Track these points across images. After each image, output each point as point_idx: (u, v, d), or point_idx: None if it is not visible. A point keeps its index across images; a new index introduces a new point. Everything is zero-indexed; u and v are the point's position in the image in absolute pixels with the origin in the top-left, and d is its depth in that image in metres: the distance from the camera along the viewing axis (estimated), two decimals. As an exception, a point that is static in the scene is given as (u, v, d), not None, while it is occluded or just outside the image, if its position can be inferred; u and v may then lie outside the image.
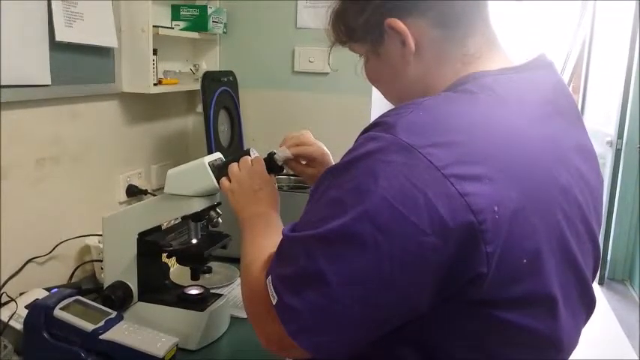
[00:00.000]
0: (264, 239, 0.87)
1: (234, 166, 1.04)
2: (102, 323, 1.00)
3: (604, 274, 3.84)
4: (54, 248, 1.39)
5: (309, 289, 0.62)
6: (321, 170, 1.05)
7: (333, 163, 0.76)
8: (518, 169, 0.61)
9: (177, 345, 1.02)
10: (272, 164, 1.07)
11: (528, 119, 0.67)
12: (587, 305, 0.74)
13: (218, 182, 1.05)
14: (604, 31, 4.13)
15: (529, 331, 0.63)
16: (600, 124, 4.04)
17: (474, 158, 0.59)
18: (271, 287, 0.67)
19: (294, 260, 0.64)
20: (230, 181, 1.03)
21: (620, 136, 3.69)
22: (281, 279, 0.66)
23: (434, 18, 0.71)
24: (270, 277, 0.68)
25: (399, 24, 0.70)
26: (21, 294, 1.19)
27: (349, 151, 0.65)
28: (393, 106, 0.71)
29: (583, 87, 4.42)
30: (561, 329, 0.66)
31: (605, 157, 3.96)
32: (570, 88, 5.31)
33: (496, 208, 0.58)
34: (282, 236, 0.70)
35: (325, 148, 1.12)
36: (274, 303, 0.66)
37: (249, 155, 1.07)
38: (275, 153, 1.08)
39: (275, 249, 0.72)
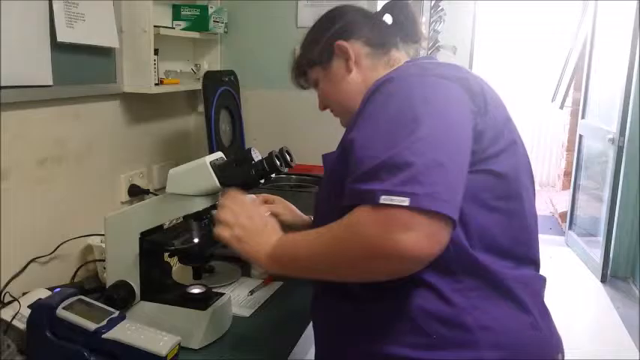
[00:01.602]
0: (311, 232, 0.89)
1: (226, 214, 0.98)
2: (105, 322, 1.00)
3: (606, 272, 3.83)
4: (56, 248, 1.39)
5: (433, 175, 0.77)
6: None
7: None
8: (474, 77, 0.93)
9: (179, 343, 1.02)
10: (272, 164, 1.08)
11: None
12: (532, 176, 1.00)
13: (219, 181, 1.06)
14: (606, 28, 4.13)
15: (504, 173, 0.89)
16: (602, 121, 4.04)
17: (455, 73, 0.90)
18: (393, 198, 0.75)
19: (405, 165, 0.77)
20: (226, 228, 0.97)
21: (622, 133, 3.69)
22: (402, 183, 0.76)
23: (365, 40, 1.07)
24: (383, 196, 0.76)
25: (344, 43, 1.06)
26: (24, 294, 1.20)
27: (375, 103, 0.87)
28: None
29: (585, 84, 4.42)
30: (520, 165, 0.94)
31: (607, 154, 3.95)
32: (572, 85, 5.32)
33: (482, 93, 0.89)
34: (363, 167, 0.81)
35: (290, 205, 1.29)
36: (407, 203, 0.75)
37: (251, 153, 1.08)
38: (277, 152, 1.09)
39: (323, 227, 0.86)
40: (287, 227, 1.23)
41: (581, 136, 4.50)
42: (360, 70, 1.06)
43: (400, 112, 0.83)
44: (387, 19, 1.13)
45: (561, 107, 5.62)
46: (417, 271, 0.82)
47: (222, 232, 0.96)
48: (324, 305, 1.01)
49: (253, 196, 1.22)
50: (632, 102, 3.63)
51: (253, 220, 0.97)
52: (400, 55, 1.09)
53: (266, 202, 1.28)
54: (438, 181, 0.77)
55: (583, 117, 4.44)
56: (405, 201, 0.74)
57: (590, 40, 4.34)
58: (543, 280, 0.98)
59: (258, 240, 0.95)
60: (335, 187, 0.91)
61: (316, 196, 1.07)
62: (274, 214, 1.23)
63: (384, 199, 0.75)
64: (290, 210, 1.29)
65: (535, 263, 0.97)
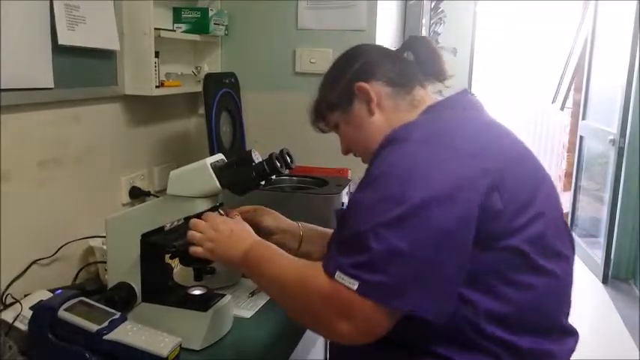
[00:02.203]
0: (282, 258, 0.96)
1: (194, 233, 1.06)
2: (106, 324, 1.00)
3: (608, 273, 3.83)
4: (58, 250, 1.40)
5: (387, 266, 0.76)
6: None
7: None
8: (499, 143, 0.89)
9: (180, 345, 1.02)
10: (273, 166, 1.08)
11: (484, 117, 0.98)
12: (568, 232, 0.97)
13: (220, 183, 1.06)
14: (606, 29, 4.13)
15: (528, 249, 0.84)
16: (603, 122, 4.04)
17: (471, 141, 0.86)
18: (344, 277, 0.79)
19: (364, 249, 0.78)
20: (201, 245, 1.05)
21: (622, 134, 3.69)
22: (357, 266, 0.78)
23: (386, 80, 1.02)
24: (337, 272, 0.80)
25: (365, 85, 1.01)
26: (25, 295, 1.20)
27: (377, 166, 0.85)
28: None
29: (585, 85, 4.42)
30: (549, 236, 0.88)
31: (607, 155, 3.95)
32: (573, 86, 5.32)
33: (494, 169, 0.82)
34: (337, 239, 0.85)
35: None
36: (356, 288, 0.77)
37: (251, 155, 1.08)
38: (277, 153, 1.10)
39: (297, 260, 0.93)
40: (274, 232, 1.26)
41: (581, 137, 4.51)
42: (383, 111, 1.02)
43: (386, 188, 0.81)
44: (409, 56, 1.08)
45: (562, 108, 5.62)
46: (433, 343, 0.85)
47: (195, 250, 1.06)
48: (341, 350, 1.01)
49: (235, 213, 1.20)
50: (633, 103, 3.63)
51: (219, 230, 1.04)
52: (425, 94, 1.03)
53: (246, 212, 1.25)
54: (392, 271, 0.76)
55: (583, 118, 4.44)
56: (354, 285, 0.78)
57: (590, 41, 4.34)
58: (568, 349, 0.94)
59: (226, 247, 1.03)
60: None
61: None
62: (255, 223, 1.22)
63: (337, 276, 0.80)
64: (274, 217, 1.28)
65: (563, 330, 0.93)
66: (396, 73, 1.02)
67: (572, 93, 5.48)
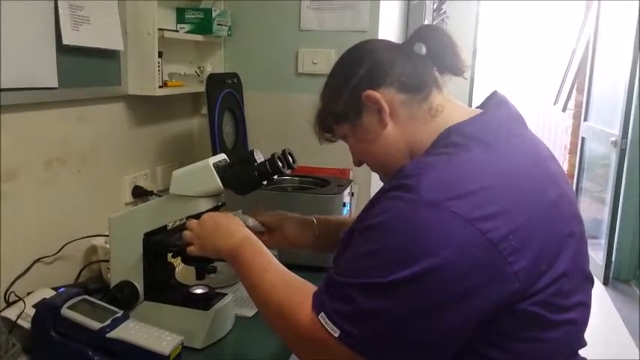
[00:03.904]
0: (268, 272, 0.93)
1: (187, 232, 1.08)
2: (108, 322, 1.01)
3: (609, 275, 3.83)
4: (61, 248, 1.40)
5: (370, 322, 0.75)
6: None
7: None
8: (521, 199, 0.77)
9: (182, 343, 1.03)
10: (275, 166, 1.08)
11: (513, 154, 0.84)
12: (590, 280, 0.90)
13: (222, 183, 1.07)
14: (608, 30, 4.13)
15: (542, 311, 0.78)
16: (604, 123, 4.04)
17: (486, 201, 0.74)
18: (327, 322, 0.78)
19: (351, 300, 0.76)
20: (192, 243, 1.07)
21: (624, 135, 3.68)
22: (341, 315, 0.77)
23: (398, 86, 0.90)
24: (322, 313, 0.79)
25: (374, 93, 0.89)
26: (28, 293, 1.21)
27: (379, 211, 0.79)
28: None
29: (587, 87, 4.41)
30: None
31: (609, 157, 3.95)
32: (575, 88, 5.32)
33: (511, 237, 0.73)
34: (330, 277, 0.82)
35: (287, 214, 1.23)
36: (337, 335, 0.77)
37: (253, 155, 1.09)
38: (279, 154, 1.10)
39: (285, 275, 0.91)
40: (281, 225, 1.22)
41: (583, 139, 4.50)
42: (398, 122, 0.90)
43: (384, 245, 0.76)
44: (419, 49, 0.93)
45: (564, 110, 5.62)
46: None
47: (190, 249, 1.07)
48: None
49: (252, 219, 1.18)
50: (635, 104, 3.63)
51: (205, 225, 1.05)
52: (442, 100, 0.91)
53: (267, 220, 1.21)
54: (375, 329, 0.75)
55: (585, 119, 4.44)
56: (335, 332, 0.77)
57: (592, 43, 4.34)
58: None
59: (213, 240, 1.03)
60: None
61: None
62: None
63: (321, 317, 0.79)
64: (285, 219, 1.22)
65: None
66: (408, 75, 0.90)
67: (574, 94, 5.48)
